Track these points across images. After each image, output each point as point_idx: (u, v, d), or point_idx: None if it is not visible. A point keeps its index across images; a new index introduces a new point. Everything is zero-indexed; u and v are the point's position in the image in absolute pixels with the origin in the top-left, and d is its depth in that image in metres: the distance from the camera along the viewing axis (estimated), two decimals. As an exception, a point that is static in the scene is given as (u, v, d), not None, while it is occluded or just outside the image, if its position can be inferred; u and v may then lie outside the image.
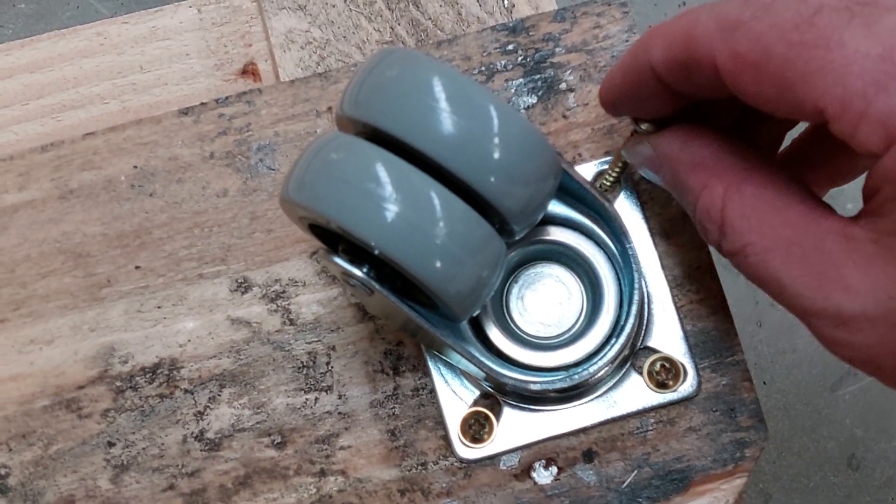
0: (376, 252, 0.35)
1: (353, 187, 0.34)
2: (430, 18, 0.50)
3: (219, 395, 0.44)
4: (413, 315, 0.38)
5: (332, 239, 0.38)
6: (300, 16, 0.50)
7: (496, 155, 0.35)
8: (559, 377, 0.42)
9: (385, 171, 0.34)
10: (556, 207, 0.43)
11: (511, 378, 0.41)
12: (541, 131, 0.43)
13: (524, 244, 0.44)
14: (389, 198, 0.34)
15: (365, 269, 0.37)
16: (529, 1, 0.50)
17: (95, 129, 0.48)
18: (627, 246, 0.42)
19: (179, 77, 0.51)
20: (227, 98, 0.46)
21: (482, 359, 0.41)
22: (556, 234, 0.44)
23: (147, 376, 0.44)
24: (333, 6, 0.50)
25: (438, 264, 0.35)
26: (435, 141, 0.34)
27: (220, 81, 0.51)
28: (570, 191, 0.43)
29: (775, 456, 0.79)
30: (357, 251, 0.37)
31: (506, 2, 0.51)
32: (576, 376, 0.41)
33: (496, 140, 0.35)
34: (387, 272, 0.37)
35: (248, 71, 0.52)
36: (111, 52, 0.52)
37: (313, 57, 0.49)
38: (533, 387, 0.41)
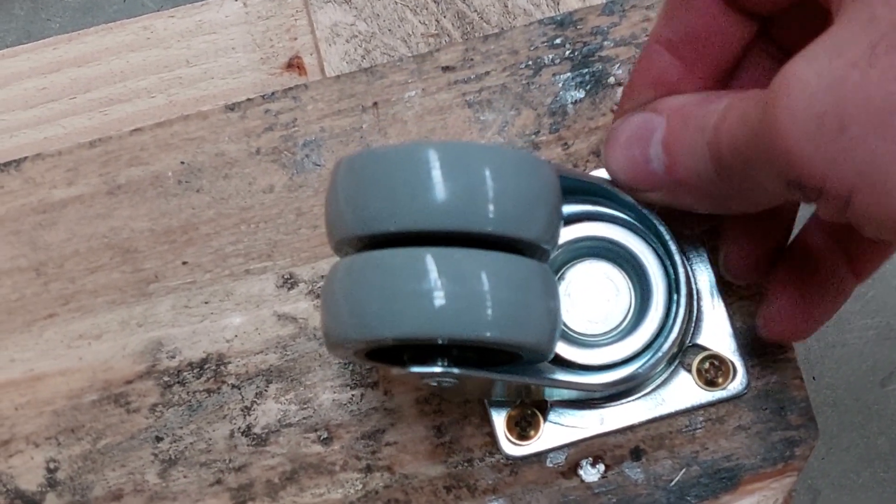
0: (443, 342, 0.35)
1: (398, 297, 0.35)
2: (476, 11, 0.50)
3: (265, 391, 0.44)
4: (506, 378, 0.38)
5: (392, 354, 0.38)
6: (345, 9, 0.50)
7: (501, 196, 0.35)
8: (622, 378, 0.41)
9: (416, 267, 0.35)
10: (603, 206, 0.43)
11: (600, 386, 0.41)
12: (519, 150, 0.43)
13: (570, 242, 0.43)
14: (435, 287, 0.34)
15: (440, 363, 0.37)
16: (577, -8, 0.50)
17: (142, 123, 0.48)
18: (672, 247, 0.42)
19: (225, 71, 0.51)
20: (273, 94, 0.47)
21: (572, 378, 0.41)
22: (603, 230, 0.43)
23: (194, 371, 0.45)
24: (379, -1, 0.50)
25: (510, 322, 0.35)
26: (442, 214, 0.35)
27: (266, 75, 0.51)
28: (611, 195, 0.43)
29: (824, 452, 0.78)
30: (425, 351, 0.37)
31: (553, -6, 0.50)
32: (637, 375, 0.41)
33: (491, 183, 0.35)
34: (457, 354, 0.37)
35: (294, 64, 0.52)
36: (158, 46, 0.52)
37: (358, 50, 0.49)
38: (597, 394, 0.41)
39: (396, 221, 0.35)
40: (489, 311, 0.35)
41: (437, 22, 0.50)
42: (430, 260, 0.35)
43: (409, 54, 0.48)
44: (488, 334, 0.35)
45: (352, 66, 0.49)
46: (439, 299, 0.34)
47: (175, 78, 0.52)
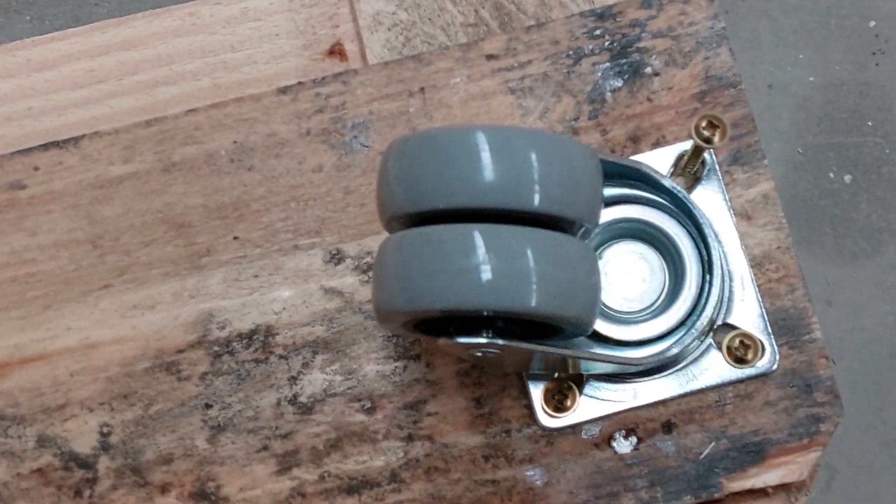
0: (489, 314, 0.37)
1: (447, 271, 0.36)
2: (513, 2, 0.52)
3: (312, 361, 0.46)
4: (549, 350, 0.40)
5: (439, 326, 0.40)
6: (387, -1, 0.52)
7: (546, 175, 0.37)
8: (658, 352, 0.43)
9: (464, 242, 0.36)
10: (639, 189, 0.45)
11: (636, 360, 0.43)
12: (561, 134, 0.45)
13: (607, 224, 0.45)
14: (484, 260, 0.36)
15: (485, 334, 0.38)
16: (610, -12, 0.52)
17: (187, 105, 0.50)
18: (706, 230, 0.44)
19: (269, 56, 0.53)
20: (323, 78, 0.48)
21: (610, 353, 0.43)
22: (639, 212, 0.45)
23: (244, 342, 0.46)
24: (419, -10, 0.52)
25: (554, 295, 0.37)
26: (490, 192, 0.37)
27: (308, 61, 0.53)
28: (648, 179, 0.45)
29: (842, 432, 0.80)
30: (470, 322, 0.39)
31: (586, -11, 0.52)
32: (671, 351, 0.43)
33: (537, 163, 0.37)
34: (501, 326, 0.39)
35: (336, 51, 0.54)
36: (203, 32, 0.54)
37: (399, 38, 0.51)
38: (634, 368, 0.43)
39: (446, 199, 0.37)
40: (534, 285, 0.37)
41: (476, 12, 0.52)
42: (478, 235, 0.36)
43: (449, 43, 0.50)
44: (533, 307, 0.37)
45: (393, 53, 0.51)
46: (486, 273, 0.36)
47: (220, 62, 0.53)
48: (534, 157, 0.37)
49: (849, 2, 0.72)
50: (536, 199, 0.37)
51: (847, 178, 0.70)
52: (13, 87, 0.52)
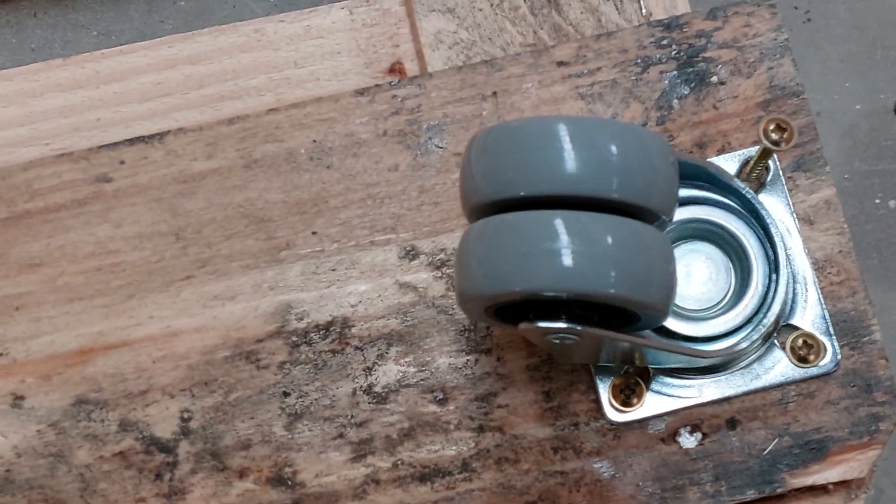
0: (569, 297, 0.38)
1: (530, 255, 0.38)
2: (571, 24, 0.54)
3: (386, 353, 0.48)
4: (625, 338, 0.41)
5: (518, 312, 0.41)
6: (449, 18, 0.54)
7: (626, 165, 0.38)
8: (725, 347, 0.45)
9: (547, 227, 0.38)
10: (708, 191, 0.47)
11: (709, 353, 0.44)
12: (640, 126, 0.46)
13: (677, 223, 0.47)
14: (566, 245, 0.37)
15: (564, 319, 0.39)
16: (666, 10, 0.54)
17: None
18: (773, 231, 0.45)
19: (331, 73, 0.55)
20: (399, 81, 0.50)
21: (683, 344, 0.44)
22: (708, 213, 0.47)
23: (321, 333, 0.48)
24: (480, 10, 0.54)
25: (634, 281, 0.38)
26: (571, 180, 0.38)
27: (369, 78, 0.55)
28: (717, 180, 0.46)
29: (888, 452, 0.81)
30: (549, 307, 0.40)
31: (644, 10, 0.54)
32: (740, 345, 0.44)
33: (618, 153, 0.38)
34: (579, 313, 0.40)
35: (395, 70, 0.56)
36: (268, 48, 0.55)
37: (460, 56, 0.53)
38: (702, 362, 0.44)
39: (528, 186, 0.39)
40: (614, 270, 0.38)
41: (535, 33, 0.54)
42: (560, 221, 0.38)
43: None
44: (612, 291, 0.38)
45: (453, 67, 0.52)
46: (568, 257, 0.38)
47: (283, 78, 0.55)
48: (614, 146, 0.38)
49: (894, 33, 0.74)
50: (616, 187, 0.38)
51: (892, 203, 0.72)
52: (82, 99, 0.54)
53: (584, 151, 0.38)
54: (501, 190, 0.39)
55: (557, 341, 0.41)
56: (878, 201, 0.72)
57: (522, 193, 0.39)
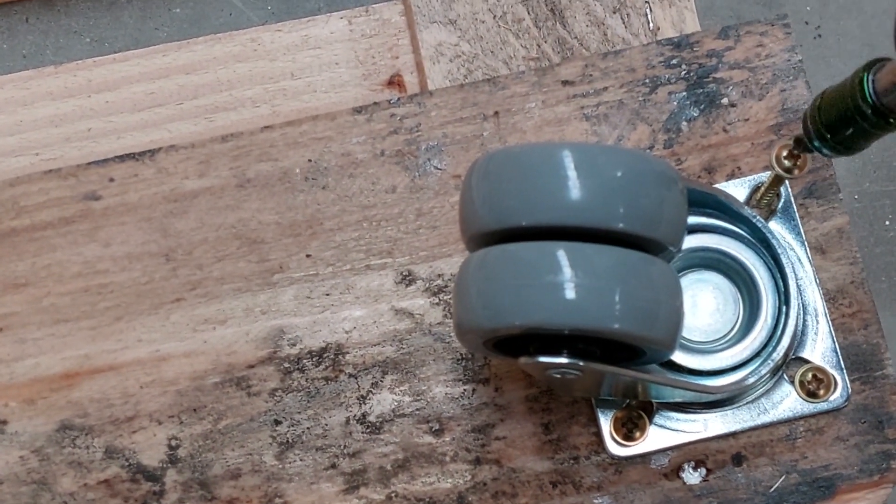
0: (571, 333, 0.37)
1: (531, 288, 0.36)
2: (576, 37, 0.52)
3: (381, 381, 0.46)
4: (629, 374, 0.40)
5: (518, 345, 0.40)
6: (450, 30, 0.52)
7: (633, 194, 0.37)
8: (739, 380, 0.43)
9: (549, 260, 0.36)
10: (716, 218, 0.45)
11: (715, 388, 0.43)
12: (648, 153, 0.44)
13: (684, 252, 0.45)
14: (568, 279, 0.36)
15: (565, 354, 0.38)
16: (674, 24, 0.52)
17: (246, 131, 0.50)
18: (784, 261, 0.44)
19: (328, 85, 0.54)
20: (398, 99, 0.49)
21: (689, 380, 0.43)
22: (716, 242, 0.45)
23: (314, 359, 0.46)
24: (483, 22, 0.52)
25: (639, 316, 0.37)
26: (575, 210, 0.37)
27: (367, 91, 0.53)
28: (726, 208, 0.45)
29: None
30: (550, 341, 0.38)
31: (651, 24, 0.52)
32: (748, 381, 0.43)
33: (624, 182, 0.37)
34: (582, 347, 0.39)
35: (395, 82, 0.54)
36: (264, 58, 0.54)
37: (461, 70, 0.51)
38: (708, 397, 0.43)
39: (530, 216, 0.37)
40: (619, 305, 0.36)
41: (539, 46, 0.52)
42: (563, 253, 0.36)
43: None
44: (616, 327, 0.36)
45: (454, 84, 0.51)
46: (571, 291, 0.36)
47: (279, 89, 0.54)
48: (620, 175, 0.37)
49: (905, 51, 0.73)
50: (621, 218, 0.37)
51: (902, 226, 0.70)
52: (73, 108, 0.53)
53: (588, 180, 0.37)
54: (503, 219, 0.38)
55: (559, 375, 0.39)
56: (888, 223, 0.70)
57: (524, 223, 0.37)
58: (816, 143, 0.39)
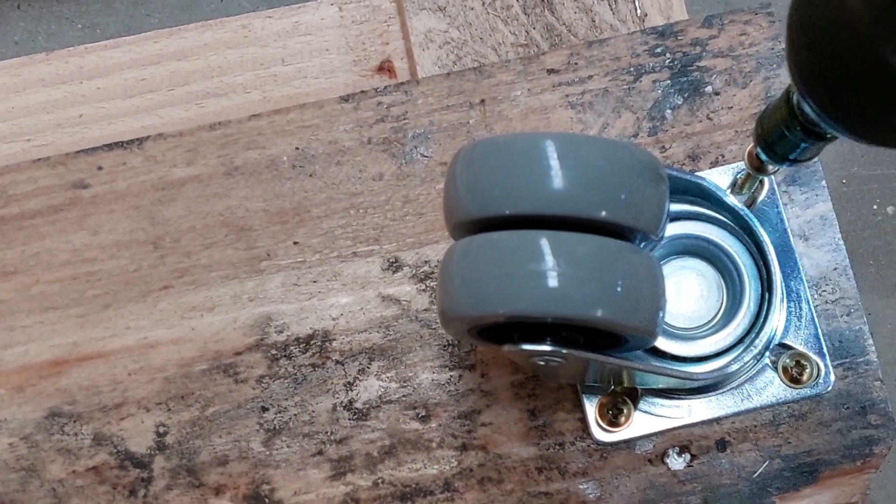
0: (554, 321, 0.37)
1: (514, 276, 0.36)
2: (564, 24, 0.52)
3: (368, 368, 0.47)
4: (612, 361, 0.40)
5: (502, 333, 0.40)
6: (440, 16, 0.53)
7: (614, 183, 0.37)
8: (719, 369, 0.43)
9: (531, 248, 0.36)
10: (700, 206, 0.45)
11: (698, 375, 0.43)
12: (630, 142, 0.45)
13: (667, 239, 0.45)
14: (551, 267, 0.36)
15: (549, 342, 0.38)
16: (661, 11, 0.52)
17: (237, 117, 0.50)
18: (766, 248, 0.44)
19: (319, 71, 0.54)
20: (385, 87, 0.49)
21: (673, 367, 0.43)
22: (699, 229, 0.45)
23: (301, 346, 0.47)
24: (472, 8, 0.52)
25: (621, 304, 0.37)
26: (557, 199, 0.37)
27: (357, 77, 0.54)
28: (709, 195, 0.45)
29: (882, 465, 0.80)
30: (533, 329, 0.39)
31: (638, 11, 0.52)
32: (731, 367, 0.43)
33: (605, 171, 0.37)
34: (565, 335, 0.39)
35: (385, 68, 0.54)
36: (255, 45, 0.54)
37: (450, 56, 0.52)
38: (692, 384, 0.43)
39: (513, 205, 0.37)
40: (601, 293, 0.37)
41: (527, 33, 0.52)
42: (546, 242, 0.37)
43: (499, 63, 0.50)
44: (598, 314, 0.37)
45: (443, 70, 0.51)
46: (553, 280, 0.36)
47: (270, 75, 0.54)
48: (602, 164, 0.37)
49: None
50: (604, 207, 0.37)
51: (890, 209, 0.70)
52: (64, 94, 0.53)
53: (571, 170, 0.37)
54: (486, 208, 0.38)
55: (542, 363, 0.40)
56: (875, 207, 0.71)
57: (507, 212, 0.37)
58: (762, 155, 0.39)
